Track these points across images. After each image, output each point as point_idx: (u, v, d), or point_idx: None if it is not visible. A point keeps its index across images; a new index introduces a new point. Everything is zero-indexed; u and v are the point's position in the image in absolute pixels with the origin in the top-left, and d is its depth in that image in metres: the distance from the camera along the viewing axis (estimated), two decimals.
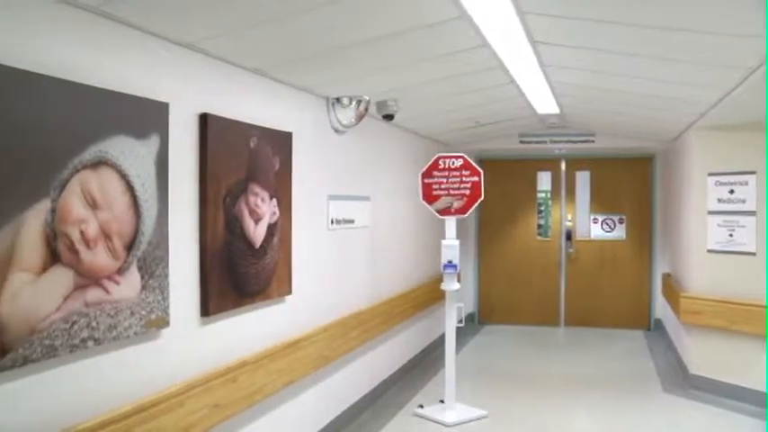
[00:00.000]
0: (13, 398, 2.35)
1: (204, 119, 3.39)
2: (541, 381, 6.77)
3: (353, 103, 4.94)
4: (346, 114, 4.96)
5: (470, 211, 5.67)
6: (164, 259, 3.03)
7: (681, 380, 6.60)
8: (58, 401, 2.53)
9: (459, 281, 5.87)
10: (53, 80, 2.46)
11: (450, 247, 5.57)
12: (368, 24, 3.35)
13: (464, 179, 5.61)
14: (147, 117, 2.93)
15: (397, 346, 6.57)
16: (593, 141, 8.59)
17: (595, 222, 9.48)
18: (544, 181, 9.66)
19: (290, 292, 4.25)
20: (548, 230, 9.65)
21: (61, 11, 2.54)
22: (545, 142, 8.69)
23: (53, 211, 2.43)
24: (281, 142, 4.12)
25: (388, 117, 5.39)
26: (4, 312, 2.25)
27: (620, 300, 9.31)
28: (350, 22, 3.29)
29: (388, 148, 6.43)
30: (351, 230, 5.40)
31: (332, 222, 5.03)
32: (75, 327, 2.54)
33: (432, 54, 4.04)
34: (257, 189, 3.81)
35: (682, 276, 7.19)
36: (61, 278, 2.48)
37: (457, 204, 5.61)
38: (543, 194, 9.65)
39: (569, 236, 9.58)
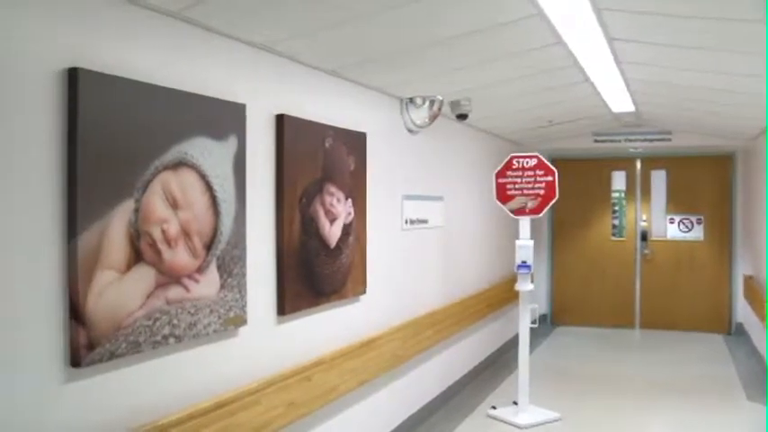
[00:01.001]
0: (101, 390, 2.39)
1: (280, 119, 3.39)
2: (616, 384, 6.55)
3: (427, 103, 4.88)
4: (420, 114, 4.91)
5: (544, 211, 5.55)
6: (241, 258, 3.05)
7: (766, 387, 6.28)
8: (141, 395, 2.56)
9: (532, 281, 5.75)
10: (136, 83, 2.49)
11: (525, 247, 5.46)
12: (442, 24, 3.29)
13: (538, 179, 5.49)
14: (225, 118, 2.95)
15: (469, 347, 6.48)
16: (669, 140, 8.28)
17: (672, 222, 9.15)
18: (618, 180, 9.37)
19: (364, 292, 4.22)
20: (622, 231, 9.37)
21: (144, 16, 2.57)
22: (619, 141, 8.43)
23: (136, 210, 2.47)
24: (356, 142, 4.10)
25: (462, 117, 5.32)
26: (92, 308, 2.29)
27: (698, 302, 8.93)
28: (423, 23, 3.23)
29: (461, 148, 6.35)
30: (424, 230, 5.35)
31: (406, 222, 4.99)
32: (158, 324, 2.57)
33: (506, 53, 3.95)
34: (333, 189, 3.80)
35: (765, 278, 6.87)
36: (144, 276, 2.51)
37: (531, 204, 5.49)
38: (617, 194, 9.37)
39: (645, 236, 9.26)
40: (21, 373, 2.12)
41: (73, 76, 2.25)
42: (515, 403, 5.59)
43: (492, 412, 5.55)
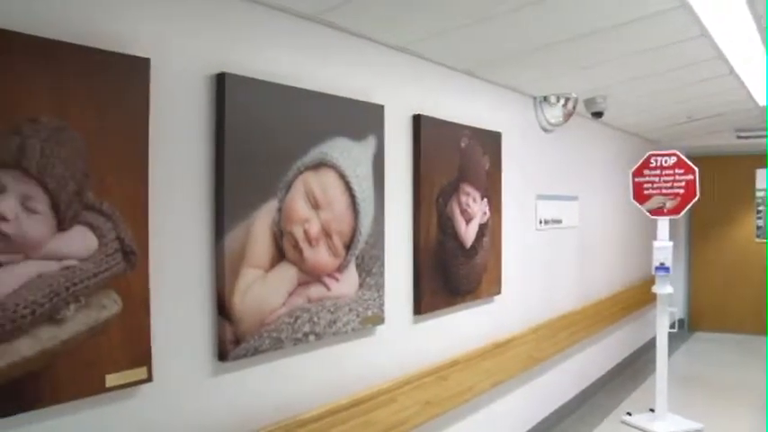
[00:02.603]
0: (244, 383, 2.40)
1: (417, 120, 3.31)
2: (764, 395, 6.04)
3: (561, 101, 4.68)
4: (554, 113, 4.72)
5: (684, 211, 5.20)
6: (380, 258, 2.98)
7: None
8: (282, 390, 2.56)
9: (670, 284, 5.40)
10: (278, 86, 2.48)
11: (663, 248, 5.10)
12: (577, 20, 3.08)
13: (677, 177, 5.12)
14: (363, 119, 2.90)
15: (604, 350, 6.15)
16: None
17: None
18: (763, 179, 8.68)
19: (499, 293, 4.07)
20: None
21: (284, 20, 2.56)
22: (766, 136, 7.81)
23: (279, 210, 2.45)
24: (491, 142, 3.95)
25: (597, 115, 5.05)
26: (237, 305, 2.29)
27: None
28: (558, 19, 3.04)
29: (595, 147, 6.03)
30: (559, 230, 5.12)
31: (540, 222, 4.78)
32: (299, 321, 2.54)
33: (644, 48, 3.67)
34: (468, 189, 3.68)
35: None
36: (287, 275, 2.49)
37: (670, 204, 5.14)
38: (762, 193, 8.67)
39: None
40: (178, 363, 2.17)
41: (220, 81, 2.27)
42: (652, 410, 5.24)
43: (627, 419, 5.25)
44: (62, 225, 1.80)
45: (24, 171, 1.71)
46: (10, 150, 1.68)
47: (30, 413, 1.76)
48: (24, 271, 1.71)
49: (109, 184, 1.91)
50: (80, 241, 1.84)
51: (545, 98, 4.66)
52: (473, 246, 3.72)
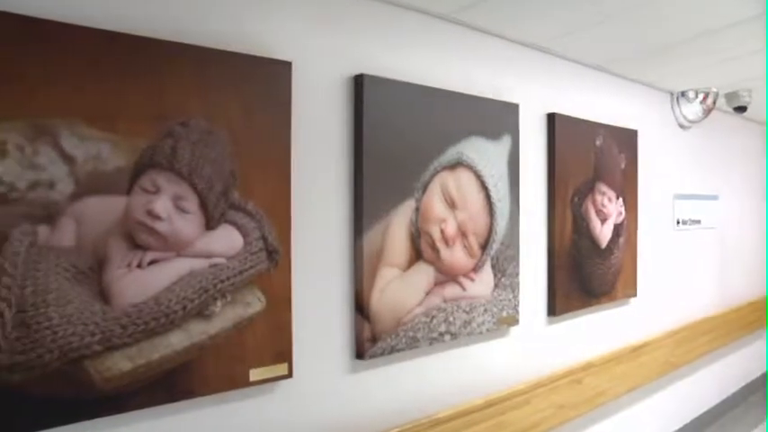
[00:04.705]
0: (380, 382, 2.34)
1: (551, 118, 3.12)
2: None
3: (700, 96, 4.33)
4: (692, 109, 4.38)
5: None
6: (515, 258, 2.83)
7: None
8: (417, 389, 2.47)
9: None
10: (414, 86, 2.38)
11: None
12: (719, 9, 2.82)
13: None
14: (498, 118, 2.76)
15: (747, 358, 5.60)
16: None
17: None
18: None
19: (634, 295, 3.79)
20: None
21: (418, 21, 2.47)
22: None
23: (417, 210, 2.36)
24: (627, 140, 3.68)
25: (740, 109, 4.63)
26: (375, 304, 2.23)
27: None
28: (698, 10, 2.80)
29: (737, 143, 5.51)
30: (697, 231, 4.74)
31: (678, 223, 4.45)
32: (434, 321, 2.45)
33: None
34: (604, 188, 3.46)
35: None
36: (423, 274, 2.39)
37: None
38: None
39: None
40: (317, 360, 2.13)
41: (359, 82, 2.21)
42: None
43: None
44: (210, 224, 1.80)
45: (177, 172, 1.72)
46: (164, 153, 1.70)
47: (180, 403, 1.77)
48: (176, 268, 1.72)
49: (253, 184, 1.90)
50: (226, 240, 1.84)
51: (683, 93, 4.33)
52: (608, 246, 3.49)
